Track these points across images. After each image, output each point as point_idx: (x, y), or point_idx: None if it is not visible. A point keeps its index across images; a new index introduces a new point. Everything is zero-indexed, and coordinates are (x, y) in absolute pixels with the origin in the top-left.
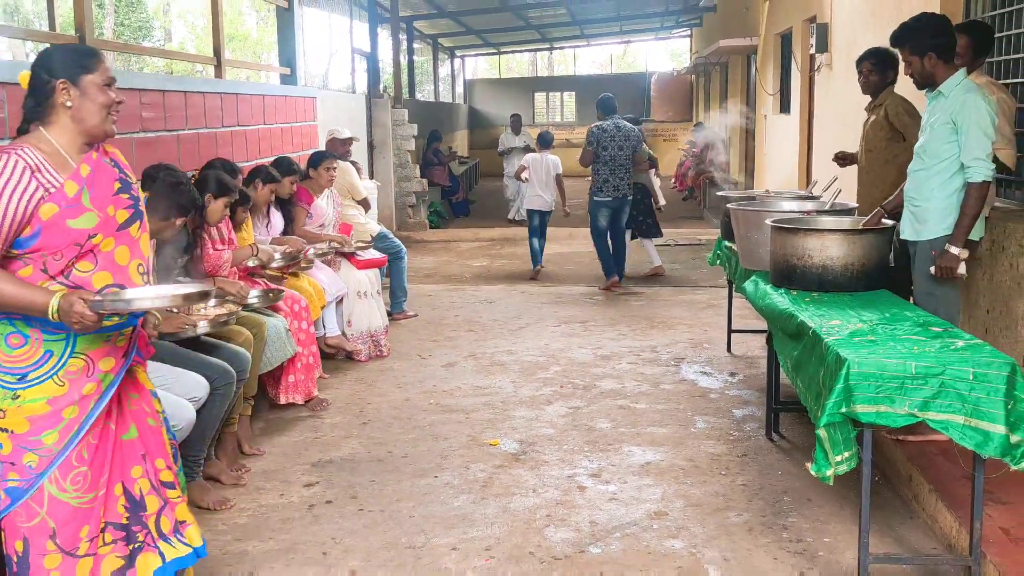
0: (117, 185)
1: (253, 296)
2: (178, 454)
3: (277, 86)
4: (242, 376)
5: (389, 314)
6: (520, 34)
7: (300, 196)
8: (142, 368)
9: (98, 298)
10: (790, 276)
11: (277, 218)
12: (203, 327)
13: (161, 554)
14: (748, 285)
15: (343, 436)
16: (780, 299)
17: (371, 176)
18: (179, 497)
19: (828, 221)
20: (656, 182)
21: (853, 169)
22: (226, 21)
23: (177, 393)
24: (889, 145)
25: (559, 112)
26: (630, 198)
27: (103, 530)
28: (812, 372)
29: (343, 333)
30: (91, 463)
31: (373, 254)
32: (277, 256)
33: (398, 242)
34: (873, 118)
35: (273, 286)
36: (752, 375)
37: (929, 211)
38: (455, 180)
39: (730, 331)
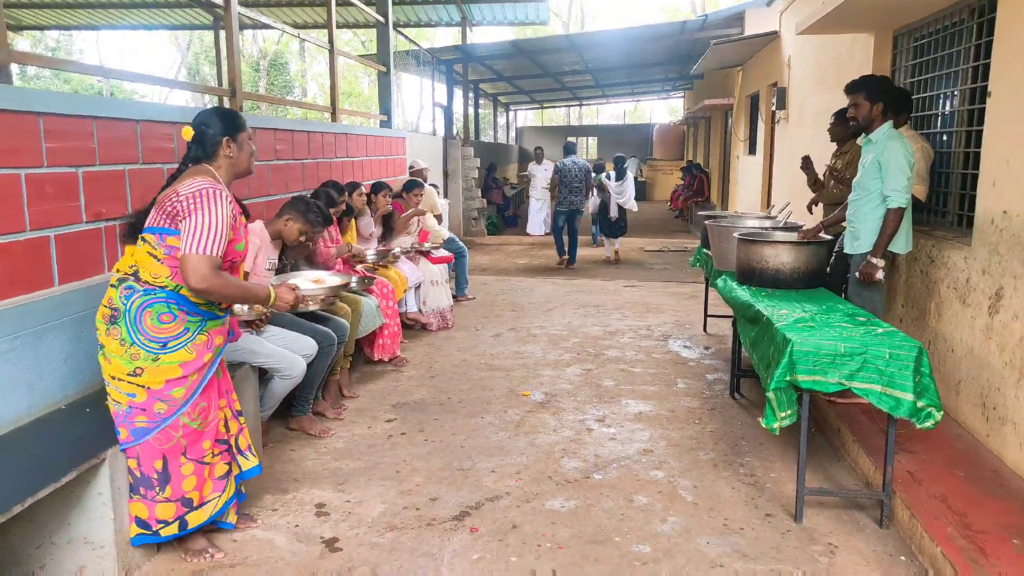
0: (239, 212)
1: (352, 281)
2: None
3: (377, 128)
4: (342, 340)
5: (454, 297)
6: (557, 94)
7: (396, 209)
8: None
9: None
10: (751, 276)
11: (378, 228)
12: (314, 305)
13: (239, 465)
14: (720, 282)
15: (416, 385)
16: (743, 293)
17: (445, 195)
18: (245, 424)
19: (780, 235)
20: (613, 200)
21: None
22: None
23: (294, 350)
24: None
25: (585, 152)
26: (581, 210)
27: (217, 443)
28: (765, 349)
29: (419, 310)
30: (208, 401)
31: (443, 253)
32: (370, 255)
33: (462, 244)
34: (848, 159)
35: (368, 274)
36: (721, 349)
37: (862, 231)
38: (507, 200)
39: (706, 316)
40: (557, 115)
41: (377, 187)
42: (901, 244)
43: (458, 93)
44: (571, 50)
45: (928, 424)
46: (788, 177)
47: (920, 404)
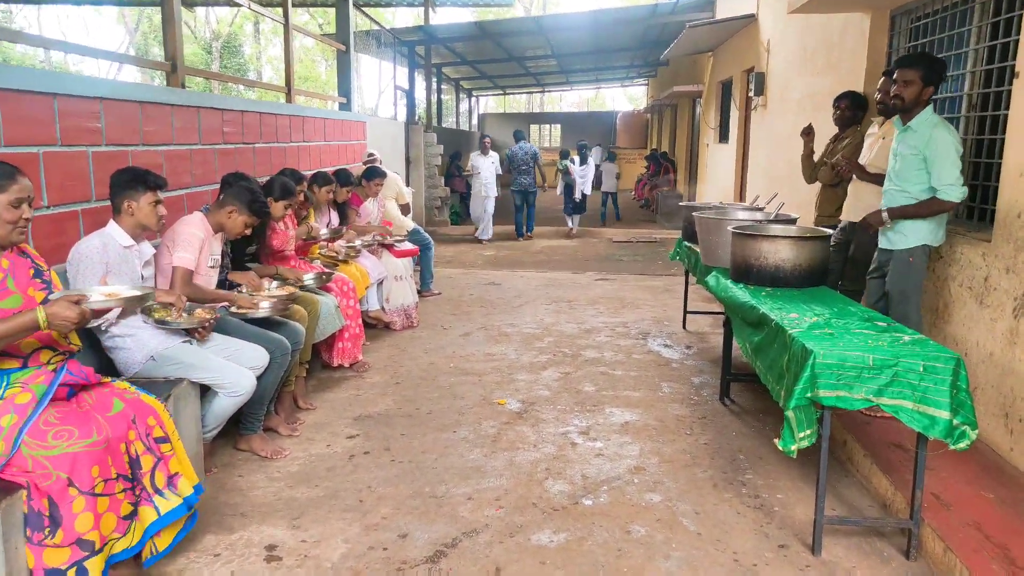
0: (31, 271)
1: (308, 278)
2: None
3: (336, 111)
4: (297, 347)
5: (419, 292)
6: (520, 79)
7: (352, 200)
8: (106, 382)
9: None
10: (747, 273)
11: (334, 216)
12: (265, 310)
13: (156, 508)
14: (710, 279)
15: (380, 394)
16: (740, 293)
17: (407, 184)
18: (171, 451)
19: (778, 228)
20: (578, 184)
21: (792, 183)
22: (302, 66)
23: (241, 362)
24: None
25: (548, 139)
26: (533, 190)
27: (116, 479)
28: (774, 357)
29: (382, 308)
30: (64, 421)
31: (407, 246)
32: (324, 231)
33: (428, 236)
34: (848, 144)
35: (325, 270)
36: (704, 348)
37: (905, 225)
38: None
39: (685, 312)
40: (519, 102)
41: (318, 179)
42: (941, 234)
43: (420, 77)
44: (537, 33)
45: (962, 445)
46: (766, 165)
47: (956, 422)
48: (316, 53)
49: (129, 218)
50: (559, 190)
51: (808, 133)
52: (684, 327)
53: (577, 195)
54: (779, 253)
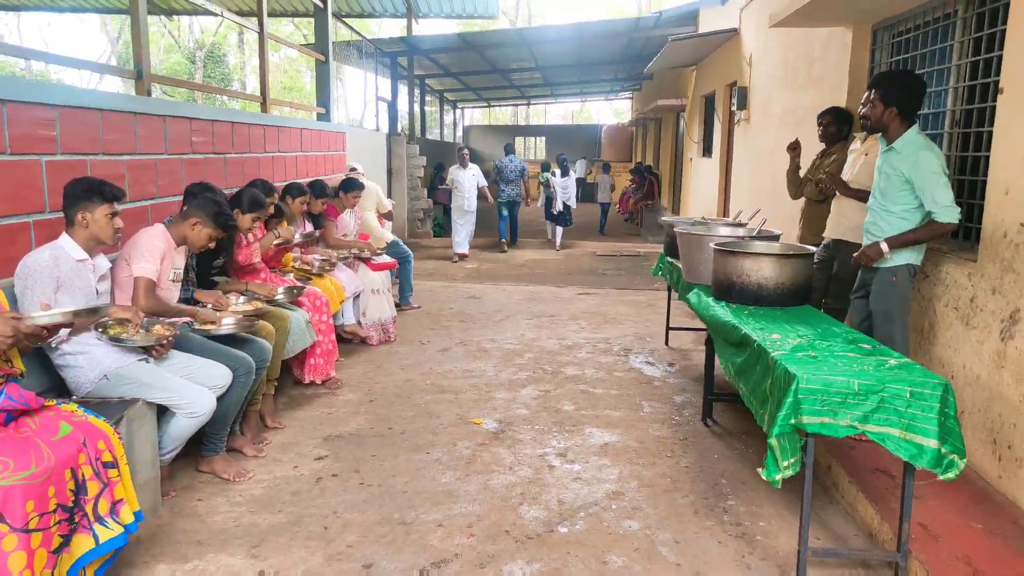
0: None
1: (279, 293)
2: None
3: (314, 121)
4: (263, 365)
5: (397, 306)
6: (505, 91)
7: (328, 211)
8: (50, 405)
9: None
10: (729, 291)
11: (308, 227)
12: (228, 327)
13: (95, 536)
14: (692, 297)
15: (352, 412)
16: (722, 311)
17: (389, 195)
18: (117, 476)
19: (761, 245)
20: (559, 196)
21: (775, 198)
22: (287, 77)
23: (201, 381)
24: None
25: (533, 152)
26: (518, 201)
27: (55, 511)
28: (757, 379)
29: (358, 322)
30: (2, 452)
31: (385, 259)
32: (297, 236)
33: (407, 248)
34: (834, 161)
35: (297, 283)
36: (686, 366)
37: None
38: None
39: (668, 328)
40: (504, 114)
41: (291, 190)
42: (922, 255)
43: (403, 89)
44: (521, 45)
45: (951, 475)
46: (749, 180)
47: (944, 451)
48: (301, 63)
49: (83, 230)
50: (540, 202)
51: (795, 148)
52: (667, 343)
53: (558, 206)
54: (762, 271)
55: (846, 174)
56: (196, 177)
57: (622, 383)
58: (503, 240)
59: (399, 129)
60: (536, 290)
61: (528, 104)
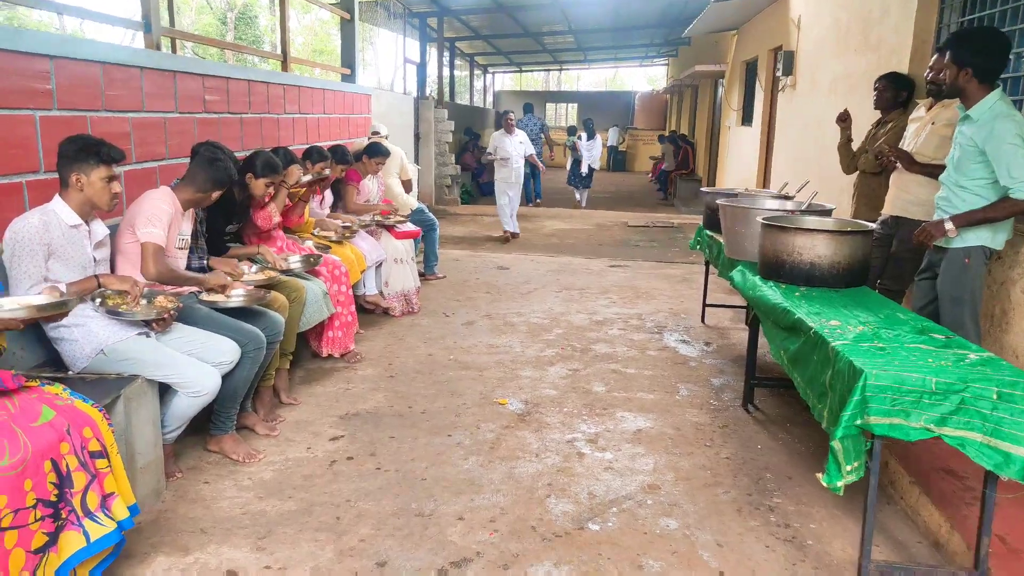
0: None
1: (294, 261)
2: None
3: (337, 82)
4: (275, 339)
5: (422, 275)
6: (536, 56)
7: (350, 176)
8: (32, 386)
9: None
10: (778, 270)
11: (328, 195)
12: (238, 300)
13: (85, 533)
14: (736, 275)
15: (371, 389)
16: (771, 292)
17: (416, 161)
18: (107, 468)
19: (814, 221)
20: (585, 159)
21: (822, 170)
22: (316, 39)
23: (206, 358)
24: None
25: (564, 118)
26: (540, 160)
27: (34, 506)
28: (815, 372)
29: (380, 292)
30: None
31: (409, 227)
32: (306, 177)
33: (432, 216)
34: (891, 130)
35: (314, 251)
36: (724, 345)
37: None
38: (481, 166)
39: (704, 305)
40: (535, 80)
41: (311, 154)
42: (1002, 238)
43: (432, 52)
44: (554, 7)
45: None
46: (793, 150)
47: None
48: (332, 25)
49: (77, 194)
50: (567, 165)
51: (844, 120)
52: (703, 321)
53: (584, 169)
54: (816, 248)
55: (908, 144)
56: (209, 138)
57: (656, 363)
58: (535, 200)
59: (427, 93)
60: (566, 261)
61: (560, 70)
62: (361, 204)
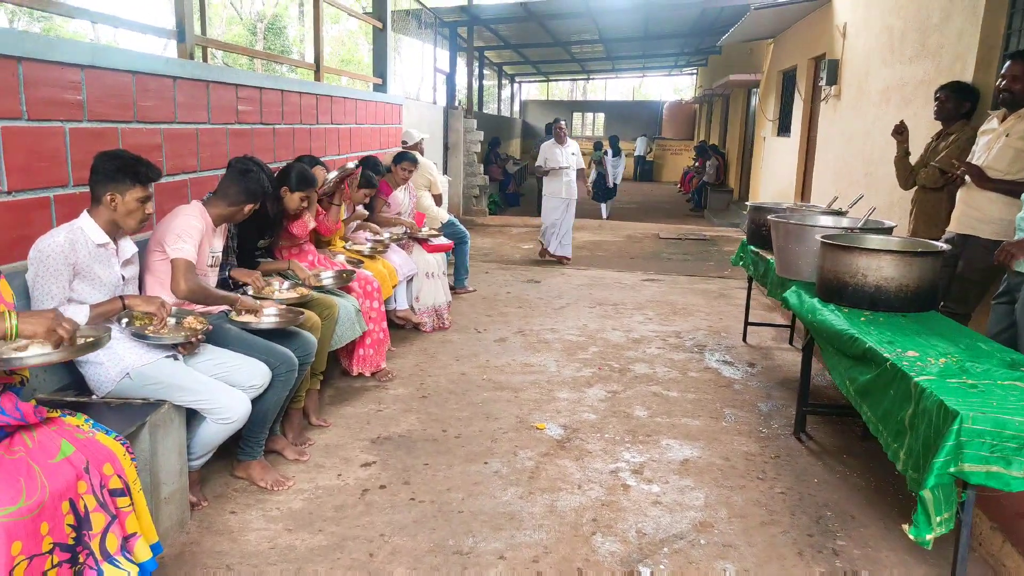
0: None
1: (327, 277)
2: (130, 451)
3: (369, 92)
4: (307, 361)
5: (453, 289)
6: (565, 65)
7: (380, 188)
8: (54, 417)
9: None
10: (840, 293)
11: (360, 208)
12: (270, 321)
13: None
14: (790, 296)
15: (403, 410)
16: (834, 317)
17: (445, 171)
18: (129, 506)
19: (877, 240)
20: (611, 175)
21: (870, 184)
22: (344, 49)
23: (235, 381)
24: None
25: (592, 128)
26: None
27: (51, 551)
28: (890, 407)
29: (411, 307)
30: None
31: (441, 240)
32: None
33: (464, 229)
34: (955, 143)
35: (347, 267)
36: (769, 367)
37: None
38: (508, 176)
39: (747, 323)
40: (561, 90)
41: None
42: None
43: (462, 61)
44: (586, 15)
45: None
46: (837, 162)
47: None
48: (360, 36)
49: (109, 212)
50: (591, 179)
51: (900, 132)
52: (744, 340)
53: (609, 183)
54: (882, 270)
55: (978, 158)
56: (242, 150)
57: (698, 385)
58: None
59: (456, 102)
60: (597, 275)
61: (587, 78)
62: (391, 217)
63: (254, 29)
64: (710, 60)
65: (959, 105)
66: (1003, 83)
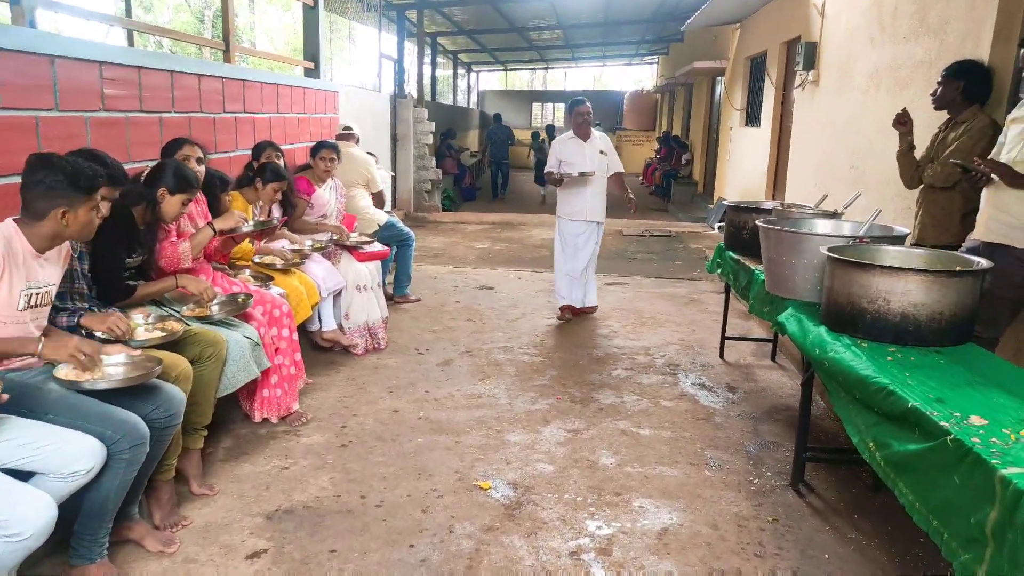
0: None
1: (215, 304)
2: None
3: (297, 77)
4: (170, 423)
5: (392, 299)
6: (523, 53)
7: (300, 186)
8: None
9: None
10: (855, 322)
11: (276, 210)
12: (110, 381)
13: None
14: (788, 322)
15: (315, 466)
16: (851, 356)
17: (393, 166)
18: None
19: (897, 254)
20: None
21: (857, 181)
22: (294, 37)
23: (47, 468)
24: None
25: (552, 118)
26: (506, 161)
27: None
28: (956, 500)
29: (340, 326)
30: None
31: (376, 247)
32: (247, 226)
33: (406, 229)
34: (968, 132)
35: (248, 288)
36: (752, 391)
37: None
38: (463, 169)
39: (723, 338)
40: (521, 80)
41: (262, 172)
42: None
43: (412, 46)
44: None
45: None
46: (817, 155)
47: None
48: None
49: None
50: (532, 163)
51: (903, 123)
52: (722, 357)
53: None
54: (911, 294)
55: (1005, 153)
56: (106, 144)
57: (674, 419)
58: (500, 194)
59: (406, 91)
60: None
61: (547, 68)
62: (313, 223)
63: (201, 17)
64: (672, 48)
65: (969, 90)
66: None
